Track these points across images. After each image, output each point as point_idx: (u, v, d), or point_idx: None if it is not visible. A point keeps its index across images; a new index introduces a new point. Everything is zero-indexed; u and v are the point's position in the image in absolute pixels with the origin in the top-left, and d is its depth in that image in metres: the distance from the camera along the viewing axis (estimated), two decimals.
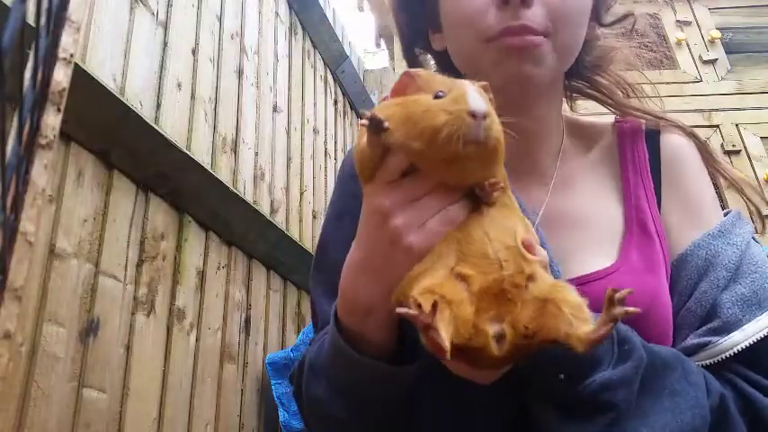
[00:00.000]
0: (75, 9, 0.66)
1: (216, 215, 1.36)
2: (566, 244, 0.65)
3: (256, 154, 1.60)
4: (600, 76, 0.76)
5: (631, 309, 0.41)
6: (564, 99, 0.78)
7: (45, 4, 0.46)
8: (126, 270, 1.07)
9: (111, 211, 1.05)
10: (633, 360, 0.53)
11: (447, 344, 0.41)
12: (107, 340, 1.00)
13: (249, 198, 1.49)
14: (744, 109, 2.44)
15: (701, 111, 2.43)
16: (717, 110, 2.44)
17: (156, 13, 1.23)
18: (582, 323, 0.43)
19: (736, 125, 2.39)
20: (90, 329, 0.97)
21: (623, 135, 0.74)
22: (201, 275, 1.31)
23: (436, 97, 0.47)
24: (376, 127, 0.47)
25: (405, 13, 0.78)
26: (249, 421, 1.45)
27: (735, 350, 0.56)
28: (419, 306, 0.42)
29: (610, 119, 0.78)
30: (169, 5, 1.29)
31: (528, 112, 0.68)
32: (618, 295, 0.42)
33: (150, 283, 1.13)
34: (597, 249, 0.65)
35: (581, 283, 0.59)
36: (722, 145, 2.34)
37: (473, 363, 0.46)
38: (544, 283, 0.46)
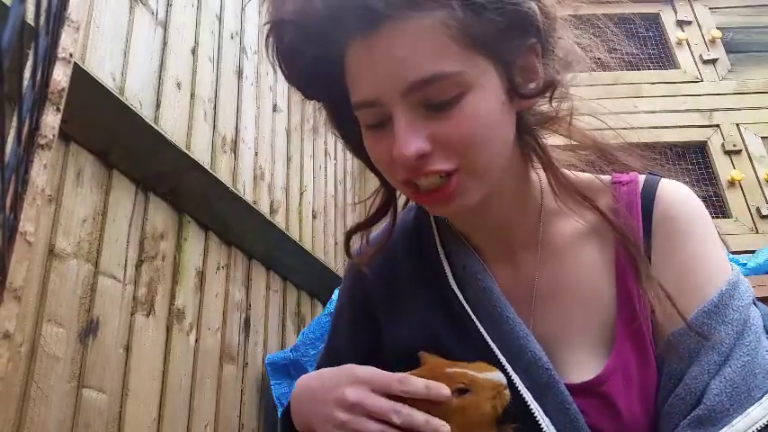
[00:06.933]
0: (75, 9, 0.66)
1: (215, 215, 1.36)
2: (558, 322, 0.63)
3: (256, 154, 1.60)
4: (553, 130, 0.65)
5: None
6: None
7: (44, 4, 0.46)
8: (125, 270, 1.07)
9: (110, 210, 1.05)
10: None
11: None
12: (106, 340, 1.00)
13: (249, 198, 1.49)
14: (744, 109, 2.44)
15: (702, 110, 2.43)
16: (717, 110, 2.43)
17: (155, 13, 1.23)
18: None
19: (737, 125, 2.39)
20: (89, 330, 0.96)
21: (620, 198, 0.65)
22: (201, 275, 1.31)
23: None
24: None
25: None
26: (249, 421, 1.44)
27: None
28: None
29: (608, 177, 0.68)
30: (169, 5, 1.28)
31: (480, 213, 0.64)
32: None
33: (150, 284, 1.13)
34: (589, 338, 0.62)
35: (574, 392, 0.58)
36: (723, 145, 2.34)
37: None
38: None
